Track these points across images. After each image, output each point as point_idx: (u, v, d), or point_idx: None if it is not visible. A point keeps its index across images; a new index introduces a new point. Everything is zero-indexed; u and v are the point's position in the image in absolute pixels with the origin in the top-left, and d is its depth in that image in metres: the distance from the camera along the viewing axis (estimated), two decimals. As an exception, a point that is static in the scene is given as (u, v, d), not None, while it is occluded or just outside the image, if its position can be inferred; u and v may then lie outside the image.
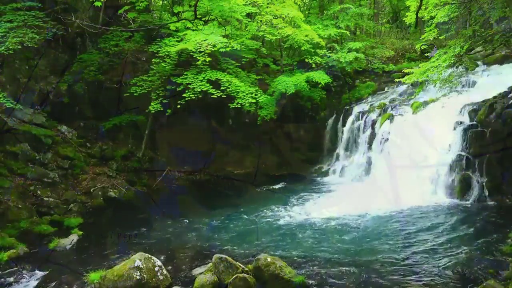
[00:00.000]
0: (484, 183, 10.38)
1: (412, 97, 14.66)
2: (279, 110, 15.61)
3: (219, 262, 6.43)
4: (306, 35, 14.84)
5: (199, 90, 12.59)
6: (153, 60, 13.19)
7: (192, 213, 10.75)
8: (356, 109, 15.53)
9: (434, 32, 12.35)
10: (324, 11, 19.62)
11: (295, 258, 7.42)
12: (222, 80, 13.15)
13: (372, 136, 14.00)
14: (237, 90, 13.16)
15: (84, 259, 7.88)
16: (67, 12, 12.95)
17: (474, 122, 11.08)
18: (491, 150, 10.50)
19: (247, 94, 13.20)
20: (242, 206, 11.30)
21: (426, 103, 13.19)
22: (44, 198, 10.70)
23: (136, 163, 13.93)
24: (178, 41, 13.11)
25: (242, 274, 6.29)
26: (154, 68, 13.29)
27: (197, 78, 12.88)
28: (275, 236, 8.80)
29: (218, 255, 6.60)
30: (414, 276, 6.50)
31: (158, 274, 6.41)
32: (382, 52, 18.44)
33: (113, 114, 14.42)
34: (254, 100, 13.31)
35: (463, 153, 10.92)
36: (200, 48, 12.13)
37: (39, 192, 10.88)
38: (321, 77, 15.06)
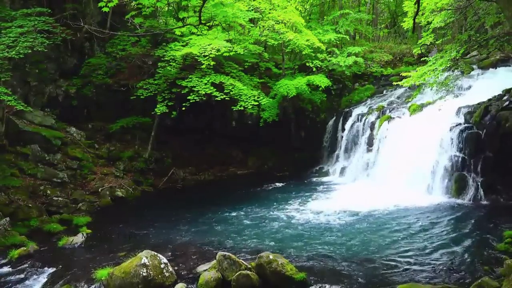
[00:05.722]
0: (479, 183, 10.63)
1: (410, 99, 14.89)
2: (280, 112, 15.91)
3: (223, 260, 6.59)
4: (307, 40, 15.09)
5: (204, 93, 12.93)
6: (159, 64, 13.56)
7: (197, 212, 10.97)
8: (356, 111, 15.72)
9: (431, 37, 12.58)
10: (325, 17, 19.94)
11: (297, 255, 7.58)
12: (226, 84, 13.48)
13: (371, 137, 14.23)
14: (240, 93, 13.50)
15: (92, 257, 8.04)
16: (76, 17, 13.32)
17: (470, 124, 11.33)
18: (486, 150, 10.79)
19: (249, 97, 13.54)
20: (245, 205, 11.47)
21: (423, 106, 13.45)
22: (54, 198, 11.08)
23: (143, 164, 14.27)
24: (183, 46, 13.45)
25: (245, 271, 6.43)
26: (160, 71, 13.65)
27: (201, 81, 13.24)
28: (277, 234, 8.99)
29: (222, 252, 6.77)
30: (412, 273, 6.67)
31: (164, 271, 6.56)
32: (381, 56, 18.74)
33: (120, 116, 14.78)
34: (256, 103, 13.66)
35: (459, 154, 11.20)
36: (204, 52, 12.47)
37: (48, 191, 11.25)
38: (321, 80, 15.33)
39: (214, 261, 6.80)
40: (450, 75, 13.04)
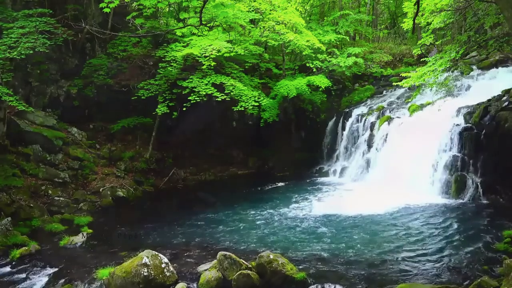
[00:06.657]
0: (478, 183, 10.69)
1: (409, 100, 14.96)
2: (281, 112, 15.97)
3: (224, 259, 6.66)
4: (307, 41, 15.14)
5: (204, 93, 12.98)
6: (160, 64, 13.62)
7: (198, 212, 11.03)
8: (356, 111, 15.78)
9: (430, 37, 12.65)
10: (325, 18, 20.02)
11: (297, 255, 7.64)
12: (226, 84, 13.54)
13: (371, 137, 14.29)
14: (241, 94, 13.56)
15: (94, 256, 8.09)
16: (77, 18, 13.37)
17: (469, 124, 11.39)
18: (485, 151, 10.85)
19: (250, 97, 13.60)
20: (245, 205, 11.54)
21: (422, 106, 13.51)
22: (55, 198, 11.16)
23: (144, 164, 14.32)
24: (184, 46, 13.49)
25: (246, 270, 6.49)
26: (161, 72, 13.70)
27: (202, 82, 13.30)
28: (278, 234, 9.06)
29: (222, 252, 6.82)
30: (412, 272, 6.74)
31: (165, 270, 6.61)
32: (381, 57, 18.83)
33: (121, 116, 14.83)
34: (257, 103, 13.73)
35: (458, 154, 11.27)
36: (205, 53, 12.49)
37: (50, 191, 11.33)
38: (321, 81, 15.39)
39: (215, 261, 6.86)
40: (450, 75, 13.11)
